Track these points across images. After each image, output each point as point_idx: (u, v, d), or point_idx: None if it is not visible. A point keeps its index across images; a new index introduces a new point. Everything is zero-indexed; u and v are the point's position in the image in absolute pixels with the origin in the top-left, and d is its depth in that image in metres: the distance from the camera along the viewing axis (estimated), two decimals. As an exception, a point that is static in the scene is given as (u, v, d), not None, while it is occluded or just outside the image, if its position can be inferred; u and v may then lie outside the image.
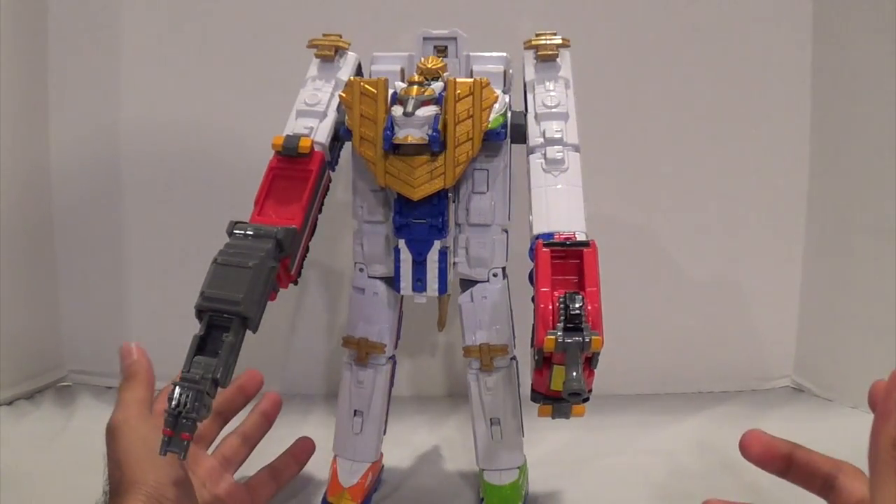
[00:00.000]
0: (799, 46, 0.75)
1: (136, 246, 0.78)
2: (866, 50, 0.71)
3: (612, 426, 0.68)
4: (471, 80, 0.45)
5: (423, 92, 0.44)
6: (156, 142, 0.76)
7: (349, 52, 0.54)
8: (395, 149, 0.45)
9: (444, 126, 0.45)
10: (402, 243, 0.48)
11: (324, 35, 0.54)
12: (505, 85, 0.51)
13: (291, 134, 0.49)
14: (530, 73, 0.50)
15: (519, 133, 0.48)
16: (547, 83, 0.49)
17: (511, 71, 0.52)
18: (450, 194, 0.47)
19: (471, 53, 0.51)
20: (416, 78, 0.46)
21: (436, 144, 0.44)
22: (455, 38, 0.51)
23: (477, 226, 0.49)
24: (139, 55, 0.75)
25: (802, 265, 0.77)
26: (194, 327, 0.42)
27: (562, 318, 0.35)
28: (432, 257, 0.48)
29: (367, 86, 0.46)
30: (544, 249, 0.39)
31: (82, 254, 0.78)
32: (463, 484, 0.59)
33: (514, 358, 0.52)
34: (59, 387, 0.79)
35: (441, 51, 0.51)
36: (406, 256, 0.48)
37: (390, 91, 0.46)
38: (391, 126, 0.44)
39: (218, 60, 0.75)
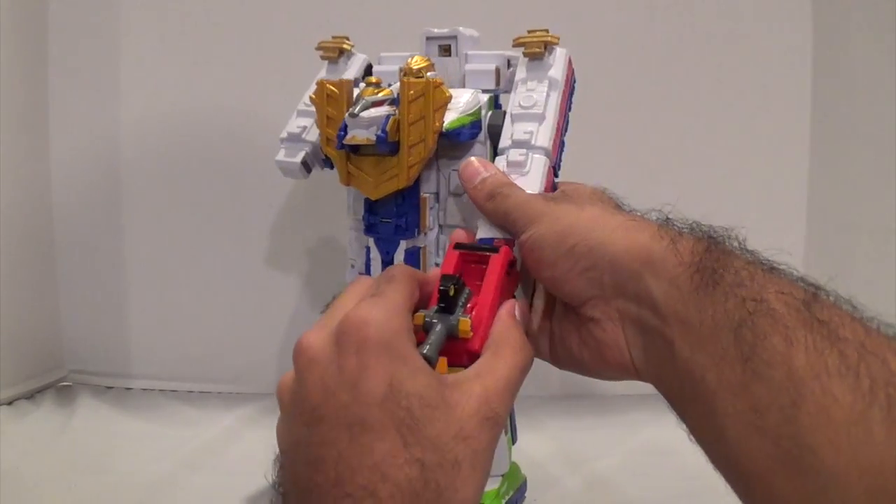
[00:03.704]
0: (799, 46, 0.75)
1: (137, 246, 0.78)
2: (866, 50, 0.71)
3: (608, 426, 0.68)
4: (423, 80, 0.45)
5: (377, 93, 0.44)
6: (157, 141, 0.76)
7: (358, 54, 0.54)
8: (355, 150, 0.45)
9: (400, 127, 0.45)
10: (371, 242, 0.48)
11: (333, 37, 0.54)
12: (499, 84, 0.50)
13: (281, 159, 0.52)
14: (521, 73, 0.48)
15: (496, 134, 0.47)
16: (530, 83, 0.47)
17: (511, 69, 0.51)
18: (424, 195, 0.47)
19: (469, 52, 0.50)
20: (374, 79, 0.46)
21: (383, 145, 0.44)
22: (455, 37, 0.50)
23: (453, 227, 0.48)
24: (140, 54, 0.76)
25: (803, 265, 0.77)
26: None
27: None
28: (399, 258, 0.48)
29: (331, 87, 0.46)
30: (454, 250, 0.38)
31: (82, 254, 0.78)
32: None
33: None
34: (59, 387, 0.79)
35: (445, 49, 0.51)
36: (376, 255, 0.48)
37: (357, 92, 0.46)
38: (345, 127, 0.45)
39: (220, 60, 0.75)
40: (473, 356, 0.33)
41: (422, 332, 0.33)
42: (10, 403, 0.73)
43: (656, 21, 0.74)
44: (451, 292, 0.33)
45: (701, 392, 0.29)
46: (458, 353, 0.33)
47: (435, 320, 0.33)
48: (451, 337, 0.33)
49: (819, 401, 0.25)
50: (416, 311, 0.33)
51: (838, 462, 0.24)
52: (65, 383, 0.80)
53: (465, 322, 0.32)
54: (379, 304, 0.30)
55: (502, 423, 0.30)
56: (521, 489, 0.56)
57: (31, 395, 0.75)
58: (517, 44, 0.48)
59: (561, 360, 0.39)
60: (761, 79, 0.75)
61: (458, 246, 0.38)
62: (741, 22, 0.74)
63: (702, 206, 0.80)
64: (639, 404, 0.71)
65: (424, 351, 0.31)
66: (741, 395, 0.28)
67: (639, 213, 0.37)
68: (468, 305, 0.34)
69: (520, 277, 0.39)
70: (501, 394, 0.30)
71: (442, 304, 0.33)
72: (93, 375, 0.79)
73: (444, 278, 0.34)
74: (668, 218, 0.35)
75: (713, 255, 0.31)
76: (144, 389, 0.78)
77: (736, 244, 0.33)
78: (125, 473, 0.60)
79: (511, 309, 0.34)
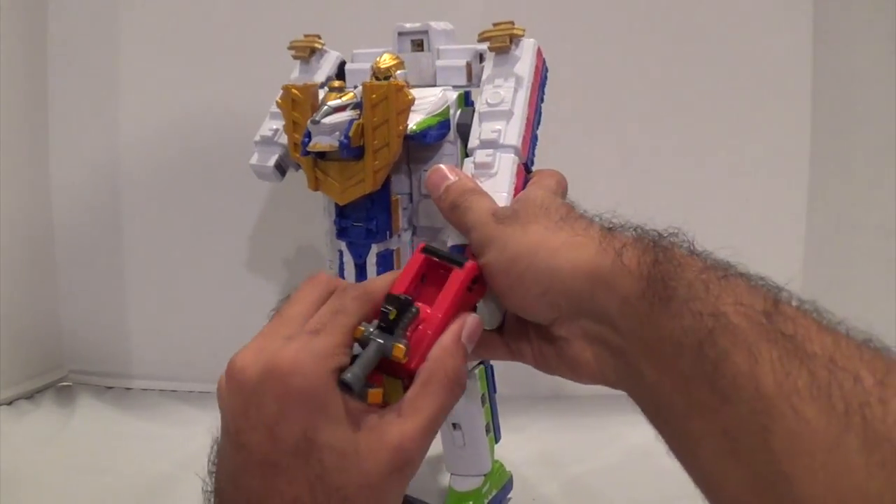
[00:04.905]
0: (799, 46, 0.74)
1: (136, 246, 0.78)
2: (866, 50, 0.71)
3: (594, 428, 0.68)
4: (385, 83, 0.44)
5: (340, 97, 0.44)
6: (156, 143, 0.77)
7: (331, 52, 0.54)
8: (321, 155, 0.45)
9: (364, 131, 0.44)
10: (343, 246, 0.48)
11: (305, 36, 0.54)
12: (470, 79, 0.49)
13: (254, 163, 0.53)
14: (488, 68, 0.47)
15: (466, 132, 0.46)
16: (497, 79, 0.45)
17: (483, 64, 0.49)
18: (395, 196, 0.47)
19: (441, 47, 0.50)
20: (336, 83, 0.46)
21: (346, 151, 0.43)
22: (427, 31, 0.49)
23: (426, 228, 0.48)
24: (139, 57, 0.76)
25: (803, 265, 0.77)
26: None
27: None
28: (371, 261, 0.47)
29: (296, 91, 0.46)
30: (419, 254, 0.37)
31: (82, 254, 0.78)
32: (439, 488, 0.59)
33: (482, 363, 0.51)
34: (59, 387, 0.79)
35: (418, 44, 0.50)
36: (349, 258, 0.48)
37: (322, 95, 0.46)
38: (309, 133, 0.44)
39: (219, 63, 0.75)
40: (411, 374, 0.32)
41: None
42: (10, 403, 0.73)
43: (654, 21, 0.74)
44: (392, 316, 0.33)
45: (673, 415, 0.29)
46: (397, 369, 0.33)
47: (373, 337, 0.32)
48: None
49: (791, 426, 0.24)
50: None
51: (815, 491, 0.23)
52: (65, 383, 0.80)
53: (398, 348, 0.32)
54: (312, 347, 0.30)
55: (416, 464, 0.30)
56: (507, 488, 0.56)
57: (31, 395, 0.75)
58: (482, 38, 0.47)
59: (544, 369, 0.38)
60: (761, 79, 0.75)
61: (425, 250, 0.37)
62: (741, 22, 0.74)
63: (702, 205, 0.81)
64: (626, 406, 0.71)
65: (347, 377, 0.30)
66: (711, 419, 0.27)
67: (585, 219, 0.36)
68: (415, 321, 0.33)
69: (484, 291, 0.37)
70: (419, 437, 0.30)
71: (382, 324, 0.33)
72: (93, 375, 0.79)
73: (388, 299, 0.33)
74: (610, 227, 0.34)
75: (662, 266, 0.30)
76: (144, 389, 0.79)
77: (685, 247, 0.31)
78: (125, 473, 0.60)
79: (457, 331, 0.33)
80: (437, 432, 0.32)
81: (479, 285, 0.37)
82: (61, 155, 0.77)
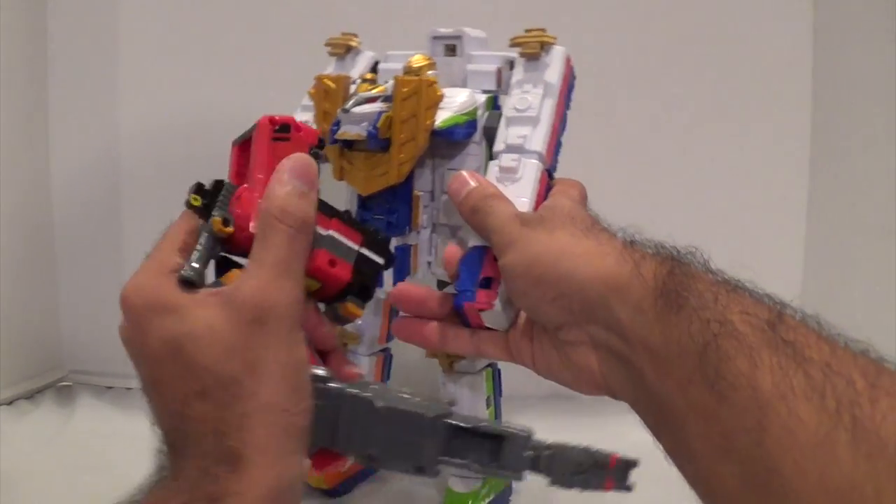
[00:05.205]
0: (799, 46, 0.75)
1: (136, 246, 0.77)
2: (866, 50, 0.71)
3: (596, 428, 0.67)
4: (416, 78, 0.45)
5: (371, 90, 0.45)
6: (156, 141, 0.76)
7: (365, 51, 0.55)
8: (348, 145, 0.45)
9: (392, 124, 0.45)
10: None
11: (342, 34, 0.54)
12: (500, 85, 0.49)
13: None
14: (517, 74, 0.47)
15: (492, 136, 0.46)
16: (525, 85, 0.46)
17: (513, 70, 0.51)
18: (417, 192, 0.47)
19: (474, 53, 0.50)
20: (369, 76, 0.46)
21: (373, 141, 0.44)
22: (460, 37, 0.50)
23: (446, 226, 0.48)
24: (139, 55, 0.76)
25: (803, 265, 0.77)
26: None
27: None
28: None
29: (328, 82, 0.47)
30: (232, 147, 0.37)
31: (82, 254, 0.78)
32: (440, 487, 0.58)
33: (490, 366, 0.51)
34: (59, 387, 0.79)
35: (451, 49, 0.51)
36: None
37: (353, 88, 0.47)
38: (338, 122, 0.45)
39: (219, 60, 0.75)
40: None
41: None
42: (10, 403, 0.73)
43: (654, 21, 0.74)
44: (194, 201, 0.33)
45: (672, 417, 0.30)
46: (245, 242, 0.32)
47: (202, 230, 0.32)
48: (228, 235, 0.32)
49: (785, 423, 0.25)
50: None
51: (805, 485, 0.24)
52: (65, 383, 0.80)
53: (216, 221, 0.32)
54: (143, 266, 0.32)
55: (279, 311, 0.30)
56: (506, 491, 0.56)
57: (31, 395, 0.75)
58: (514, 43, 0.47)
59: (543, 374, 0.39)
60: (761, 79, 0.75)
61: (234, 142, 0.37)
62: (741, 22, 0.74)
63: (701, 206, 0.81)
64: (626, 406, 0.71)
65: (185, 273, 0.31)
66: (709, 419, 0.28)
67: (609, 232, 0.37)
68: (236, 195, 0.33)
69: (309, 136, 0.37)
70: (268, 283, 0.30)
71: (200, 213, 0.33)
72: (93, 375, 0.79)
73: (190, 190, 0.33)
74: (633, 240, 0.35)
75: (676, 277, 0.31)
76: (144, 389, 0.78)
77: (700, 264, 0.33)
78: (125, 473, 0.60)
79: (281, 174, 0.33)
80: (297, 275, 0.32)
81: (292, 136, 0.36)
82: (61, 154, 0.77)
